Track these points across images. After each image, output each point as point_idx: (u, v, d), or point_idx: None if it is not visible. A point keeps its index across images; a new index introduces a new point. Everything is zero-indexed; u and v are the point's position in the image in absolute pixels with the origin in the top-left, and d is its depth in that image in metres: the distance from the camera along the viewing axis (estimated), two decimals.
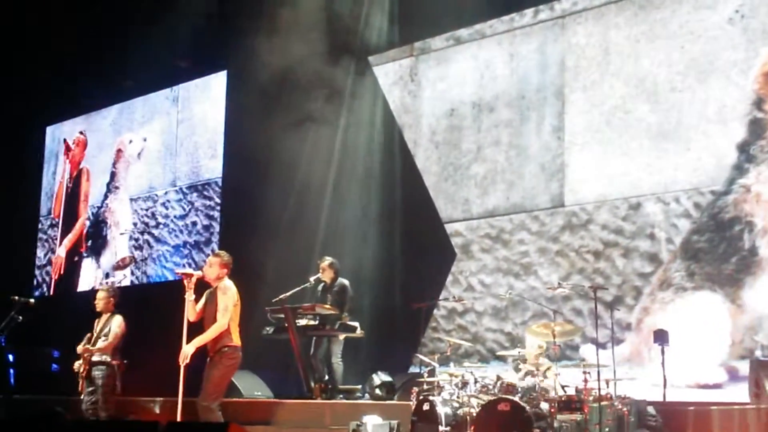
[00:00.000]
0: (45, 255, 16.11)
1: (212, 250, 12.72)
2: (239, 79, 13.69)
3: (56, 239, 15.56)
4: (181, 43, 13.56)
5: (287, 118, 12.20)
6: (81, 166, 15.68)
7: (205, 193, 13.03)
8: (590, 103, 10.71)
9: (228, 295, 7.64)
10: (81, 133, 15.85)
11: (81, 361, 9.17)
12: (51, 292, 15.78)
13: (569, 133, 10.83)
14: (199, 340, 7.59)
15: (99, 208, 14.73)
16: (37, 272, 16.49)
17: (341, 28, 12.24)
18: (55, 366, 12.26)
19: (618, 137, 10.42)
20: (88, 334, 9.31)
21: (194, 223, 13.19)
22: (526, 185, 11.14)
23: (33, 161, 16.81)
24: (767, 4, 9.51)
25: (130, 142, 14.12)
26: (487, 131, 11.60)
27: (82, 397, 9.15)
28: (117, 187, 14.19)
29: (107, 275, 14.86)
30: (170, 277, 13.60)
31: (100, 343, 9.16)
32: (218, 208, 12.83)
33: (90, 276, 15.19)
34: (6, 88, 15.12)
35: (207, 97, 13.89)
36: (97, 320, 9.39)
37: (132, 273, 14.48)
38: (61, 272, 15.53)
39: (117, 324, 9.26)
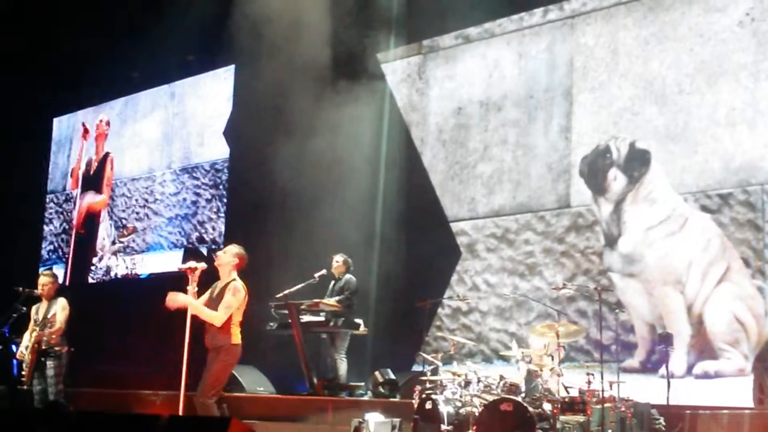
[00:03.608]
0: (59, 226, 17.12)
1: (198, 221, 14.57)
2: (245, 75, 13.73)
3: (71, 212, 17.02)
4: (189, 38, 13.61)
5: (293, 113, 12.18)
6: (106, 151, 16.81)
7: (194, 174, 14.98)
8: (598, 104, 10.67)
9: (236, 297, 7.54)
10: (101, 120, 17.15)
11: (26, 350, 8.86)
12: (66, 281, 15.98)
13: (576, 134, 10.80)
14: (195, 309, 7.50)
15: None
16: (44, 251, 17.07)
17: (350, 24, 12.20)
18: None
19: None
20: (31, 323, 9.00)
21: (184, 199, 15.11)
22: (533, 185, 11.11)
23: (40, 150, 17.35)
24: None
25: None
26: (495, 130, 11.58)
27: (26, 387, 8.86)
28: None
29: (114, 242, 15.98)
30: (164, 245, 15.08)
31: (49, 329, 8.87)
32: (203, 187, 14.81)
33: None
34: (16, 82, 15.48)
35: (199, 93, 15.40)
36: (35, 307, 9.14)
37: (134, 240, 15.74)
38: (81, 230, 16.70)
39: (62, 308, 9.01)
